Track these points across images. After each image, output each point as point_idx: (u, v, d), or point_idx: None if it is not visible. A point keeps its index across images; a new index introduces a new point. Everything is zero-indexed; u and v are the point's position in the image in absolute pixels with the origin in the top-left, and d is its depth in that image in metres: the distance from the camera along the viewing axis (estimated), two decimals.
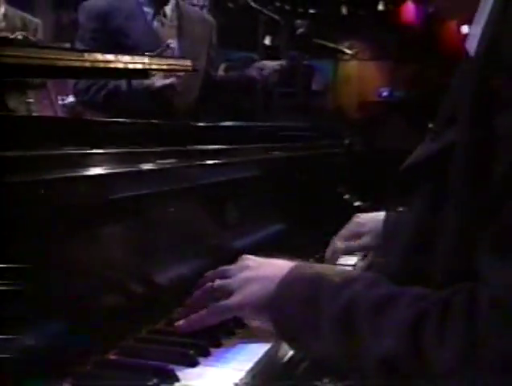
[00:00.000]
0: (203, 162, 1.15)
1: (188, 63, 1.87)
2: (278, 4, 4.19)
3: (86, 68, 1.40)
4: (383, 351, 0.70)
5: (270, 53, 3.78)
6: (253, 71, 2.71)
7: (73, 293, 0.84)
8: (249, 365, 0.87)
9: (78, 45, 2.49)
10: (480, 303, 0.65)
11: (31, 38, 3.28)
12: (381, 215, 1.33)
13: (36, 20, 3.97)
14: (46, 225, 0.79)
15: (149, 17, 2.56)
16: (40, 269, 0.79)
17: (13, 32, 3.16)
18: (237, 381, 0.82)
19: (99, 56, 1.41)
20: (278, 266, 0.92)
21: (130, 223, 0.97)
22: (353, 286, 0.78)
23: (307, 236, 1.56)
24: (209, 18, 3.01)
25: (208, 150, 1.19)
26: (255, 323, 0.95)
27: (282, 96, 3.77)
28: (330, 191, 1.92)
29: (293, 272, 0.87)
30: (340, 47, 3.86)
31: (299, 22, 4.60)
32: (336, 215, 1.57)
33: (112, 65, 1.45)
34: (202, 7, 4.97)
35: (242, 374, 0.84)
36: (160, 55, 2.01)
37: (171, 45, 2.23)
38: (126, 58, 1.52)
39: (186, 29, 2.61)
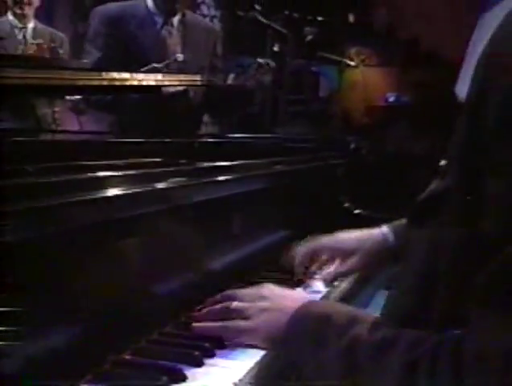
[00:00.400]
0: (211, 179, 1.22)
1: (198, 77, 1.97)
2: (286, 12, 4.26)
3: (104, 86, 1.51)
4: None
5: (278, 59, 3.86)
6: (251, 80, 2.76)
7: (93, 300, 0.90)
8: (249, 365, 0.93)
9: (88, 48, 2.53)
10: (466, 357, 0.67)
11: (59, 51, 3.47)
12: (361, 234, 1.36)
13: (61, 35, 4.20)
14: (69, 241, 0.85)
15: (158, 26, 2.62)
16: (62, 277, 0.85)
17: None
18: (237, 380, 0.89)
19: (115, 75, 1.51)
20: (292, 299, 0.98)
21: (143, 237, 1.03)
22: (356, 328, 0.83)
23: None
24: (214, 28, 3.05)
25: (216, 168, 1.26)
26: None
27: (290, 104, 3.84)
28: (331, 200, 1.94)
29: (303, 309, 0.93)
30: (345, 59, 3.90)
31: (307, 29, 4.69)
32: (336, 224, 1.62)
33: (128, 83, 1.55)
34: (212, 18, 5.06)
35: (243, 373, 0.91)
36: (170, 70, 2.10)
37: (179, 59, 2.32)
38: (140, 75, 1.63)
39: (190, 39, 2.66)
